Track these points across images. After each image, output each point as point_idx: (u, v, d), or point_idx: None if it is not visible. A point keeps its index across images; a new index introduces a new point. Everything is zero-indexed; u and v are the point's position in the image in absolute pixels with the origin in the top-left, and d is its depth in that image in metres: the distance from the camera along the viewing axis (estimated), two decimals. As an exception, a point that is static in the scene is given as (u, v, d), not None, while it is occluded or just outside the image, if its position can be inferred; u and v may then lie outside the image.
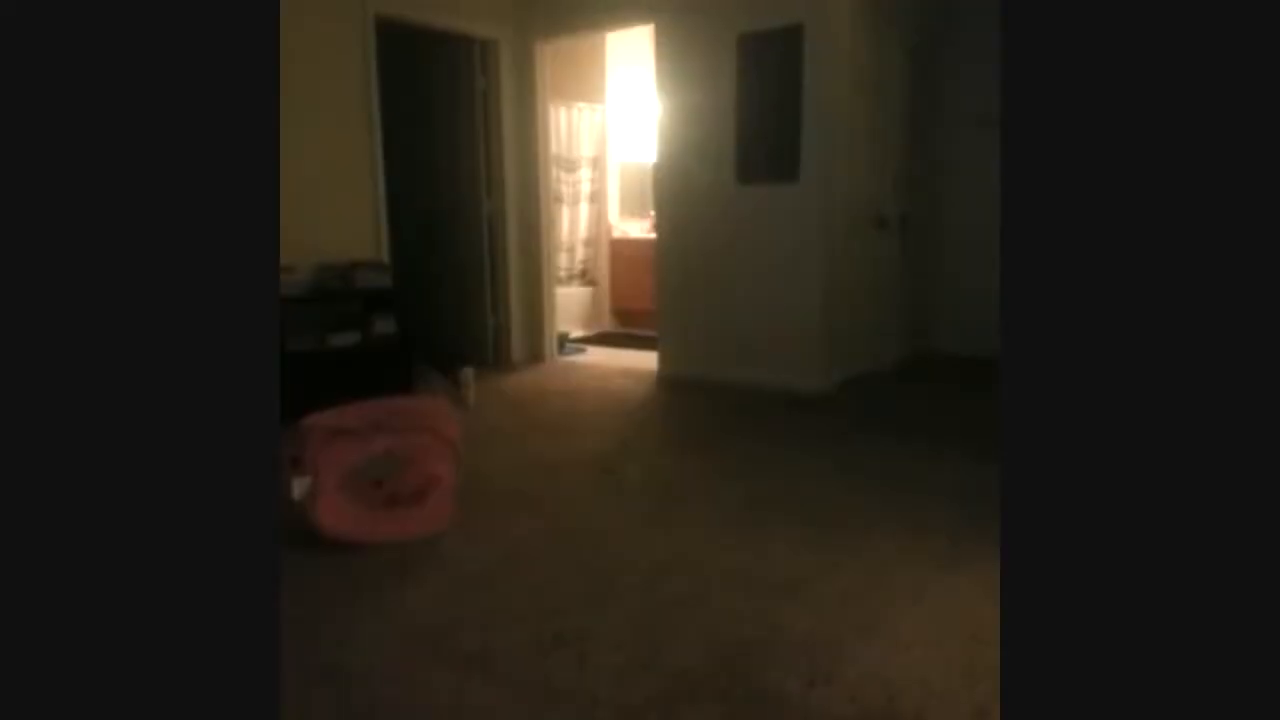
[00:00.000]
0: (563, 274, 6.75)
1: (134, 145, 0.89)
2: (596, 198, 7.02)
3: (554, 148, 5.91)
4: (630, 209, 7.19)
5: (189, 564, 0.91)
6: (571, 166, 6.75)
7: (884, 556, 2.36)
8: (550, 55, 5.48)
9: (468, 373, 4.43)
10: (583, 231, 7.01)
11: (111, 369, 0.88)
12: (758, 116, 4.45)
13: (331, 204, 4.38)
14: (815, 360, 4.46)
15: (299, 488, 2.48)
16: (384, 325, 4.37)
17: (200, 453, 0.91)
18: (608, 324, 7.09)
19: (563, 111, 6.52)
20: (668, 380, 4.96)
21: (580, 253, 7.04)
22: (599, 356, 5.87)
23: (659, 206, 5.04)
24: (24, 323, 0.84)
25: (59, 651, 0.86)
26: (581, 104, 6.73)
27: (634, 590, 2.19)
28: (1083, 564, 0.92)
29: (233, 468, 0.93)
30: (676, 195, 4.86)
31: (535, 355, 5.66)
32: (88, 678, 0.86)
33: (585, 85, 6.77)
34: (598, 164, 6.95)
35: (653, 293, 5.33)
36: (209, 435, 0.92)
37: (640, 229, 7.09)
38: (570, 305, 6.76)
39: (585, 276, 7.11)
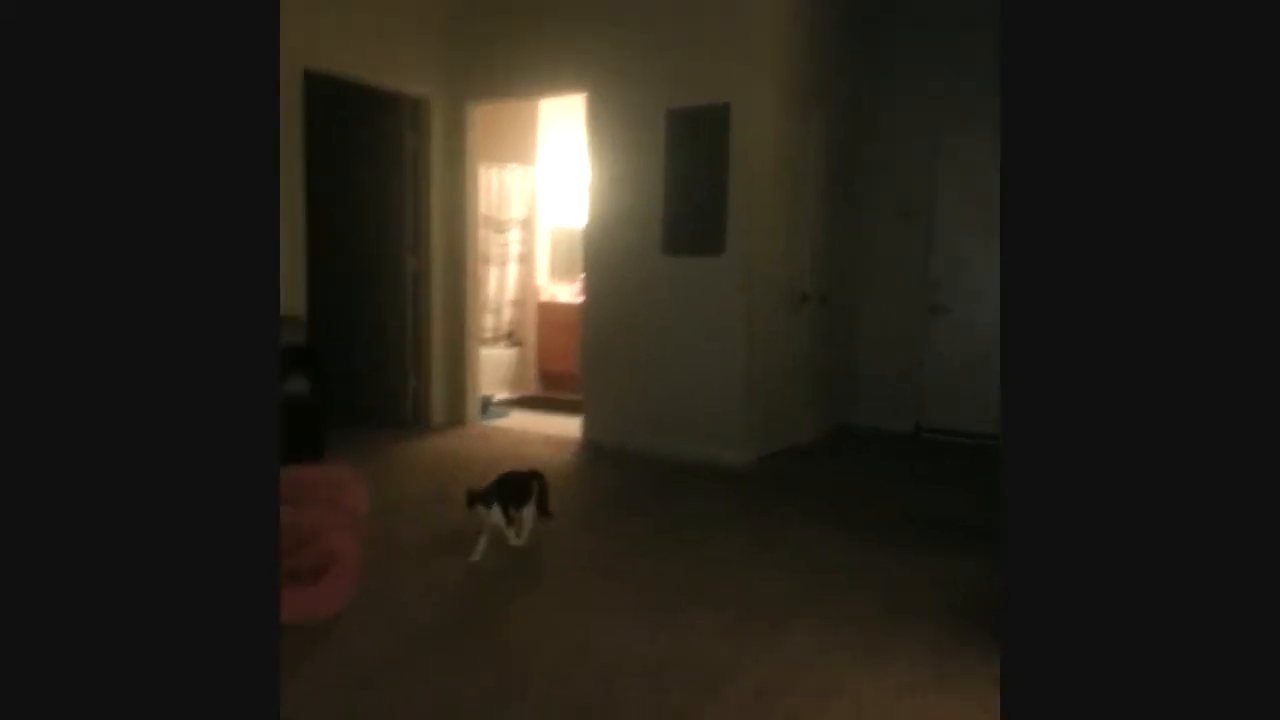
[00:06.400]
0: (489, 335, 6.64)
1: (151, 174, 1.00)
2: (525, 259, 6.97)
3: (483, 208, 5.87)
4: (560, 272, 7.16)
5: (191, 570, 0.99)
6: (501, 227, 6.70)
7: (801, 648, 2.30)
8: (482, 116, 5.47)
9: (526, 513, 3.14)
10: (510, 293, 6.94)
11: (127, 386, 0.98)
12: (685, 189, 4.50)
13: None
14: (737, 433, 4.45)
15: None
16: (295, 384, 4.17)
17: (205, 456, 1.00)
18: (534, 386, 6.98)
19: (494, 172, 6.50)
20: (590, 447, 4.87)
21: (507, 314, 6.95)
22: (522, 420, 5.75)
23: (588, 271, 5.02)
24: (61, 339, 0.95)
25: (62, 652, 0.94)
26: (513, 165, 6.73)
27: (539, 685, 2.07)
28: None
29: (235, 473, 1.02)
30: (604, 262, 4.85)
31: (456, 418, 5.50)
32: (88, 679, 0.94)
33: (517, 146, 6.78)
34: (527, 225, 6.93)
35: (578, 357, 5.27)
36: (213, 438, 1.01)
37: (570, 292, 7.05)
38: (496, 367, 6.63)
39: (512, 338, 7.01)
